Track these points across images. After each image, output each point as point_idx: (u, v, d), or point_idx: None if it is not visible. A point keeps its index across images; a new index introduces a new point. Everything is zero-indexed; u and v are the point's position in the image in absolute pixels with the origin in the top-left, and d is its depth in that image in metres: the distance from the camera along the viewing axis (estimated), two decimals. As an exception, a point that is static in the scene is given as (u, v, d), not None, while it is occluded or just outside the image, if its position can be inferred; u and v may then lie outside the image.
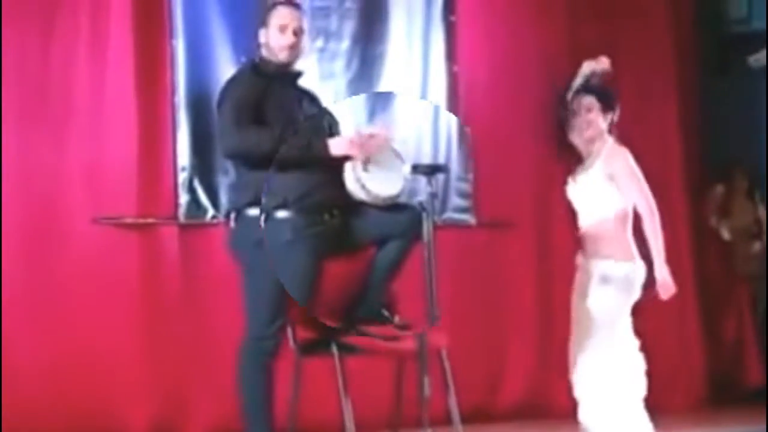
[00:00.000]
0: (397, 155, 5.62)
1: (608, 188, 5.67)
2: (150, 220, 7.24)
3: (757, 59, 9.15)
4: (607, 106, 5.76)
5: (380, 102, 8.04)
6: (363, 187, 5.40)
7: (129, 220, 7.14)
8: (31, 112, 6.99)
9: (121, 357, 7.03)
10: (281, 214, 5.32)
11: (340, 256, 5.55)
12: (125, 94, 7.18)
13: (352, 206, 5.46)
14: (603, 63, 5.86)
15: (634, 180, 5.67)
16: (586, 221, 5.77)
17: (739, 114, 9.25)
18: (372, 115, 7.93)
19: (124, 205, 7.15)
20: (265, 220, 5.33)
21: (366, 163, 5.44)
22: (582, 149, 5.79)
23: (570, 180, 5.85)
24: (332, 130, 5.62)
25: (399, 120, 8.00)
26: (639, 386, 5.65)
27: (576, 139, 5.77)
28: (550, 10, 8.45)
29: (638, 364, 5.66)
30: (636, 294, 5.65)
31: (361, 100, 7.94)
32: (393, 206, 5.51)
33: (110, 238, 7.09)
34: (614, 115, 5.78)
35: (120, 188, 7.14)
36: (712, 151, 9.24)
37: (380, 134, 5.59)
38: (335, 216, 5.41)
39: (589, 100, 5.74)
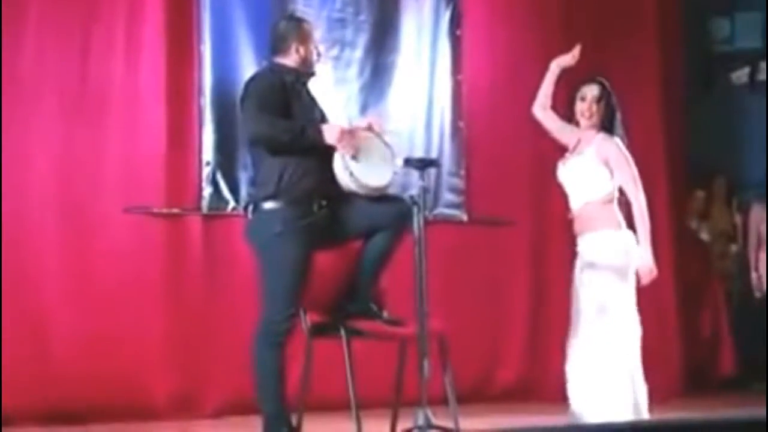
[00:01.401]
0: (388, 147, 5.64)
1: (600, 170, 5.75)
2: (177, 211, 7.48)
3: (738, 76, 9.37)
4: (607, 100, 5.84)
5: (374, 95, 8.18)
6: (351, 175, 5.38)
7: (156, 210, 7.39)
8: (71, 111, 7.22)
9: (146, 337, 7.27)
10: (270, 204, 5.42)
11: (328, 248, 5.59)
12: (157, 94, 7.43)
13: (340, 197, 5.46)
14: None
15: (627, 166, 5.76)
16: (577, 202, 5.85)
17: (721, 127, 9.54)
18: (365, 107, 8.05)
19: (154, 197, 7.40)
20: (254, 211, 5.48)
21: (356, 152, 5.44)
22: (578, 132, 5.89)
23: (560, 164, 5.93)
24: (323, 120, 5.65)
25: (392, 113, 8.13)
26: (635, 362, 5.67)
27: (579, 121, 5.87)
28: (547, 25, 8.61)
29: (635, 341, 5.69)
30: (630, 267, 5.67)
31: (354, 92, 8.09)
32: (381, 197, 5.53)
33: (140, 226, 7.33)
34: (608, 110, 5.83)
35: (149, 181, 7.39)
36: (695, 160, 9.48)
37: (372, 125, 5.66)
38: (323, 207, 5.44)
39: (594, 91, 5.84)
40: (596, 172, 5.78)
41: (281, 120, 5.41)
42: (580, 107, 5.87)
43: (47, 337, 7.10)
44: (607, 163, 5.78)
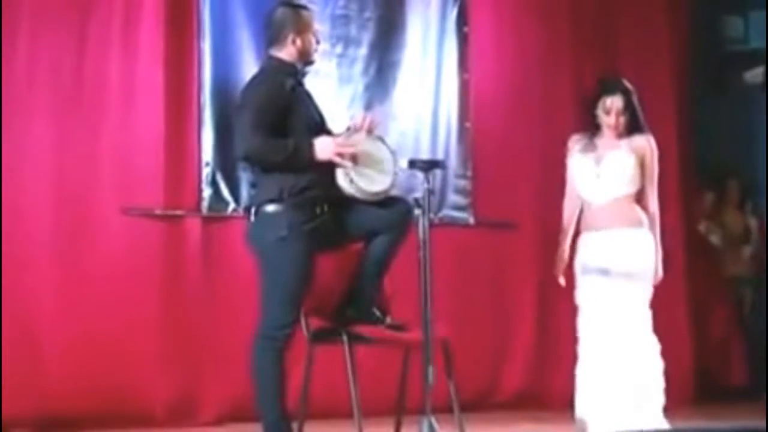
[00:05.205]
0: (388, 148, 5.52)
1: (636, 165, 5.75)
2: (178, 212, 7.41)
3: (753, 75, 9.28)
4: (631, 106, 5.81)
5: (379, 94, 8.12)
6: (352, 182, 5.30)
7: (157, 212, 7.31)
8: (66, 109, 7.16)
9: (143, 342, 7.21)
10: (273, 208, 5.30)
11: (330, 252, 5.51)
12: (155, 92, 7.35)
13: (342, 200, 5.37)
14: None
15: (654, 166, 5.80)
16: (602, 197, 5.78)
17: (734, 128, 9.49)
18: (370, 106, 7.95)
19: (152, 198, 7.32)
20: (256, 214, 5.36)
21: (354, 160, 5.33)
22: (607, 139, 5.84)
23: (588, 158, 5.83)
24: (322, 122, 5.52)
25: (397, 113, 8.10)
26: (652, 381, 5.67)
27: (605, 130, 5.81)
28: (556, 23, 8.60)
29: (652, 358, 5.69)
30: (649, 267, 5.70)
31: (359, 91, 8.03)
32: (383, 200, 5.41)
33: (137, 228, 7.25)
34: (634, 115, 5.80)
35: (148, 181, 7.31)
36: (707, 162, 9.44)
37: (365, 126, 5.49)
38: (326, 211, 5.35)
39: (618, 104, 5.79)
40: (633, 166, 5.76)
41: (274, 140, 5.26)
42: (606, 120, 5.82)
43: (42, 342, 7.04)
44: (641, 159, 5.78)
